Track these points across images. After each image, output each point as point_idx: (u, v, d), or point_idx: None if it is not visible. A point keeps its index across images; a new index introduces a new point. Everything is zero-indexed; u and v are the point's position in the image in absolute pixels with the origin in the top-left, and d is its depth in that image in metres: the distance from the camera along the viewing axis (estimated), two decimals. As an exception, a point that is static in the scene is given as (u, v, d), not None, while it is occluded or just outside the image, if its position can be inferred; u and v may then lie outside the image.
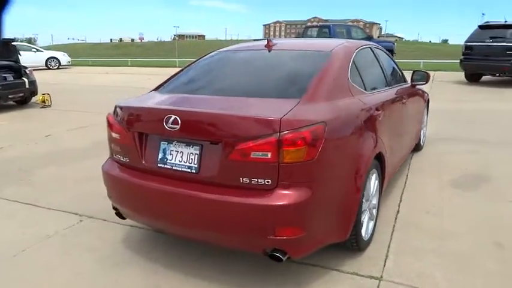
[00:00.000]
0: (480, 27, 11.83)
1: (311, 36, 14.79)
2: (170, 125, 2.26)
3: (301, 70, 2.74)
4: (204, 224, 2.26)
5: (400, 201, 3.69)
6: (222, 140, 2.17)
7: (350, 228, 2.46)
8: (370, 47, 3.48)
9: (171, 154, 2.36)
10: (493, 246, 2.87)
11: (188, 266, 2.67)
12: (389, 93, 3.43)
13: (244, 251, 2.48)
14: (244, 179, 2.13)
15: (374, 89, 3.17)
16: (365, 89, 2.94)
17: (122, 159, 2.59)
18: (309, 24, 15.82)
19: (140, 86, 12.72)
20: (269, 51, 3.05)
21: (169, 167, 2.36)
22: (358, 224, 2.54)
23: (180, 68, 3.26)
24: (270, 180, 2.09)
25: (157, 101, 2.64)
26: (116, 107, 2.67)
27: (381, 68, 3.57)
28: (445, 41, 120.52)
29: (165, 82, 3.02)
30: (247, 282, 2.49)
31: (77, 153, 5.48)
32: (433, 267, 2.63)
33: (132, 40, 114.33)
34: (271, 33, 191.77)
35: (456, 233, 3.08)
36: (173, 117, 2.25)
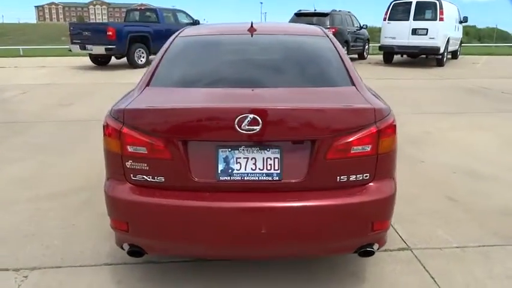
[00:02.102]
0: (296, 14, 13.47)
1: (134, 20, 13.83)
2: (247, 127, 1.86)
3: (321, 55, 2.64)
4: (295, 236, 2.00)
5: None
6: (314, 138, 1.94)
7: None
8: None
9: (237, 163, 1.96)
10: (449, 201, 3.48)
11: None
12: None
13: (334, 255, 2.30)
14: (341, 178, 1.97)
15: None
16: None
17: (150, 179, 1.99)
18: (132, 7, 14.64)
19: None
20: (252, 35, 2.79)
21: (239, 178, 1.96)
22: None
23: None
24: (368, 174, 2.01)
25: (198, 98, 2.12)
26: (124, 112, 2.00)
27: None
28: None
29: (152, 75, 2.41)
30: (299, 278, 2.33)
31: None
32: (431, 227, 3.03)
33: None
34: (46, 16, 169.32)
35: (416, 194, 3.57)
36: (250, 116, 1.86)
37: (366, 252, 2.11)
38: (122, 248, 2.17)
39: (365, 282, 2.40)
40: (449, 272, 2.49)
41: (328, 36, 2.83)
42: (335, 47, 2.66)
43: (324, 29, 3.06)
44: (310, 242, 2.03)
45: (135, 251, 2.12)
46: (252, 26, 2.80)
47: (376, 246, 2.13)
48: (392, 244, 2.76)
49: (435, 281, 2.40)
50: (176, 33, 2.93)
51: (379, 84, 9.55)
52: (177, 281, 2.40)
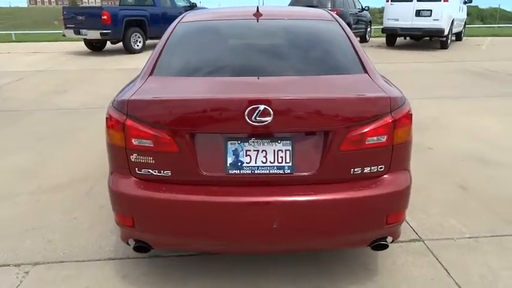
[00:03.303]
0: (295, -6, 13.25)
1: (129, 3, 13.58)
2: (258, 118, 1.81)
3: (331, 41, 2.56)
4: (307, 231, 1.97)
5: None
6: (327, 129, 1.89)
7: None
8: None
9: (247, 156, 1.91)
10: (459, 189, 3.44)
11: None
12: None
13: (346, 249, 2.29)
14: (355, 170, 1.93)
15: None
16: None
17: (156, 173, 1.95)
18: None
19: None
20: (258, 20, 2.69)
21: (249, 171, 1.91)
22: None
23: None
24: (383, 166, 1.97)
25: (205, 88, 2.06)
26: (127, 103, 1.94)
27: None
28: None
29: (155, 63, 2.33)
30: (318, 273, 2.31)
31: None
32: (442, 216, 3.00)
33: None
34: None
35: (425, 183, 3.52)
36: (262, 107, 1.80)
37: (379, 245, 2.09)
38: (128, 243, 2.14)
39: (377, 275, 2.37)
40: (463, 263, 2.47)
41: (337, 21, 2.75)
42: (345, 31, 2.59)
43: (332, 13, 2.97)
44: (322, 236, 2.00)
45: (141, 247, 2.09)
46: (257, 10, 2.71)
47: (390, 240, 2.11)
48: (404, 235, 2.71)
49: (449, 273, 2.38)
50: (178, 19, 2.84)
51: (381, 68, 9.41)
52: (183, 274, 2.37)
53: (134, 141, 1.91)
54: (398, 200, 2.03)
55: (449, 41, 13.29)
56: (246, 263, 2.45)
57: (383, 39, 14.64)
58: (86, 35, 11.83)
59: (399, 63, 10.44)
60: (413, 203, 3.06)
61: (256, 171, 1.91)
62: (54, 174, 3.75)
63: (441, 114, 5.68)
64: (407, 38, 14.54)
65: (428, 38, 14.09)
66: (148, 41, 12.77)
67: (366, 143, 1.90)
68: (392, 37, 13.87)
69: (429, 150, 4.33)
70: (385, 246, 2.10)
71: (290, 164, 1.91)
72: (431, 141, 4.56)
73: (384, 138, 1.91)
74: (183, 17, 2.87)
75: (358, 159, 1.92)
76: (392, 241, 2.15)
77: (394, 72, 8.79)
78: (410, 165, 2.14)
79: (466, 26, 16.69)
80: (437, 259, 2.50)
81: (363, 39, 15.50)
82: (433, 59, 11.28)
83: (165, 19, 12.08)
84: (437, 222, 2.92)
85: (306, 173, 1.92)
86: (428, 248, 2.62)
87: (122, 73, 8.79)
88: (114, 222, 2.18)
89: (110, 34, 11.59)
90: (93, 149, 4.30)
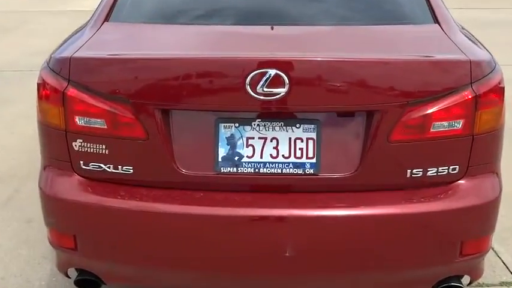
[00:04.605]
0: None
1: None
2: (266, 89, 1.85)
3: None
4: (339, 262, 2.03)
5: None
6: (372, 108, 1.92)
7: None
8: None
9: (249, 146, 1.97)
10: None
11: None
12: None
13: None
14: (414, 172, 1.97)
15: None
16: None
17: (111, 169, 2.01)
18: None
19: None
20: None
21: (251, 170, 1.97)
22: None
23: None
24: (457, 167, 2.00)
25: (186, 41, 2.16)
26: (70, 62, 1.98)
27: None
28: None
29: (113, 4, 2.39)
30: None
31: None
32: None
33: None
34: None
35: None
36: (272, 72, 1.84)
37: None
38: (67, 275, 2.22)
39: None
40: None
41: None
42: None
43: None
44: (362, 272, 2.05)
45: (87, 280, 2.16)
46: None
47: (466, 280, 2.15)
48: (490, 274, 2.78)
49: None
50: None
51: (470, 17, 9.28)
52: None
53: (79, 121, 1.97)
54: (481, 219, 2.06)
55: None
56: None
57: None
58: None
59: (501, 8, 10.37)
60: (507, 226, 3.12)
61: (261, 170, 1.96)
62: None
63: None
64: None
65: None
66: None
67: (431, 130, 1.93)
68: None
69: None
70: None
71: (314, 161, 1.95)
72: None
73: (459, 124, 1.94)
74: None
75: (419, 155, 1.96)
76: (471, 282, 2.20)
77: (490, 23, 8.77)
78: (500, 167, 2.17)
79: None
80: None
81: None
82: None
83: None
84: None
85: (338, 175, 1.96)
86: (529, 296, 2.67)
87: (67, 17, 8.91)
88: (47, 243, 2.25)
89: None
90: (20, 132, 4.40)
